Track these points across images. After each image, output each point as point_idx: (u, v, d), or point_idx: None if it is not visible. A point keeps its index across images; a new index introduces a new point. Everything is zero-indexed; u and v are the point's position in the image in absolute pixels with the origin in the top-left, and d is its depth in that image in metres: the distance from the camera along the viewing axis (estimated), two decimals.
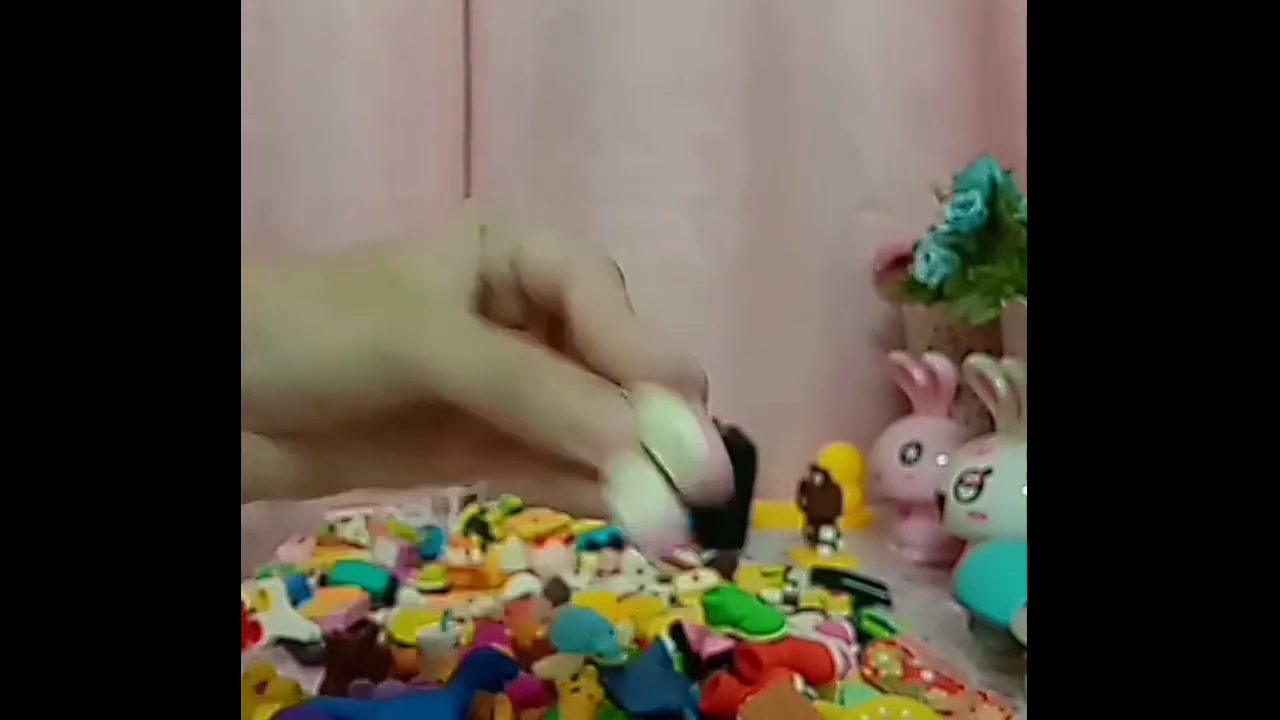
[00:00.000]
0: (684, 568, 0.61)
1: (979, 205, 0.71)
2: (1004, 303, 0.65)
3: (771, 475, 0.74)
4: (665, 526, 0.25)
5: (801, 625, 0.50)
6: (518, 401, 0.24)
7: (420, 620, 0.50)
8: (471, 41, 0.87)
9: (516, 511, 0.70)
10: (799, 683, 0.41)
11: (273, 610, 0.50)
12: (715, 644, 0.44)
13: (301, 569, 0.60)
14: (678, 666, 0.43)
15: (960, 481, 0.58)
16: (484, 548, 0.62)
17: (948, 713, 0.41)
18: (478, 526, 0.67)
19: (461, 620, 0.51)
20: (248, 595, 0.51)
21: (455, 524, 0.71)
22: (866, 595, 0.57)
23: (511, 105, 0.86)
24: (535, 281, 0.27)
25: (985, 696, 0.43)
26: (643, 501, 0.25)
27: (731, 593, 0.52)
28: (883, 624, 0.51)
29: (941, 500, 0.60)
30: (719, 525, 0.75)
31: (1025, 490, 0.52)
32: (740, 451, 0.73)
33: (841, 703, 0.42)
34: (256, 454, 0.25)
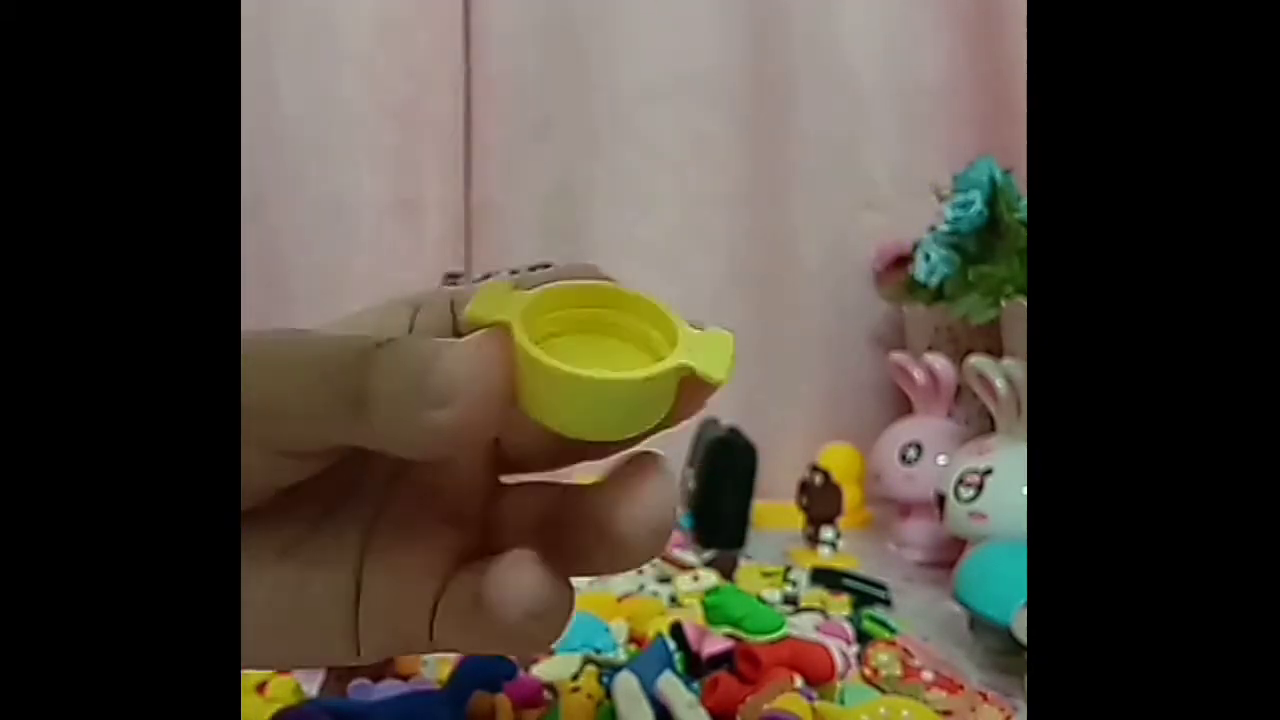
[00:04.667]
0: (684, 568, 0.61)
1: (979, 205, 0.71)
2: (1004, 303, 0.65)
3: (771, 475, 0.75)
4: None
5: (801, 625, 0.50)
6: None
7: None
8: (471, 41, 0.87)
9: None
10: (799, 683, 0.41)
11: None
12: (715, 644, 0.44)
13: None
14: (678, 666, 0.43)
15: (960, 481, 0.58)
16: None
17: (948, 713, 0.41)
18: None
19: None
20: None
21: None
22: (866, 595, 0.57)
23: (511, 105, 0.86)
24: None
25: (985, 696, 0.43)
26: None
27: (731, 593, 0.52)
28: (883, 624, 0.51)
29: (941, 500, 0.60)
30: (719, 525, 0.76)
31: (1025, 490, 0.52)
32: (740, 451, 0.74)
33: (841, 703, 0.42)
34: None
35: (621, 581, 0.59)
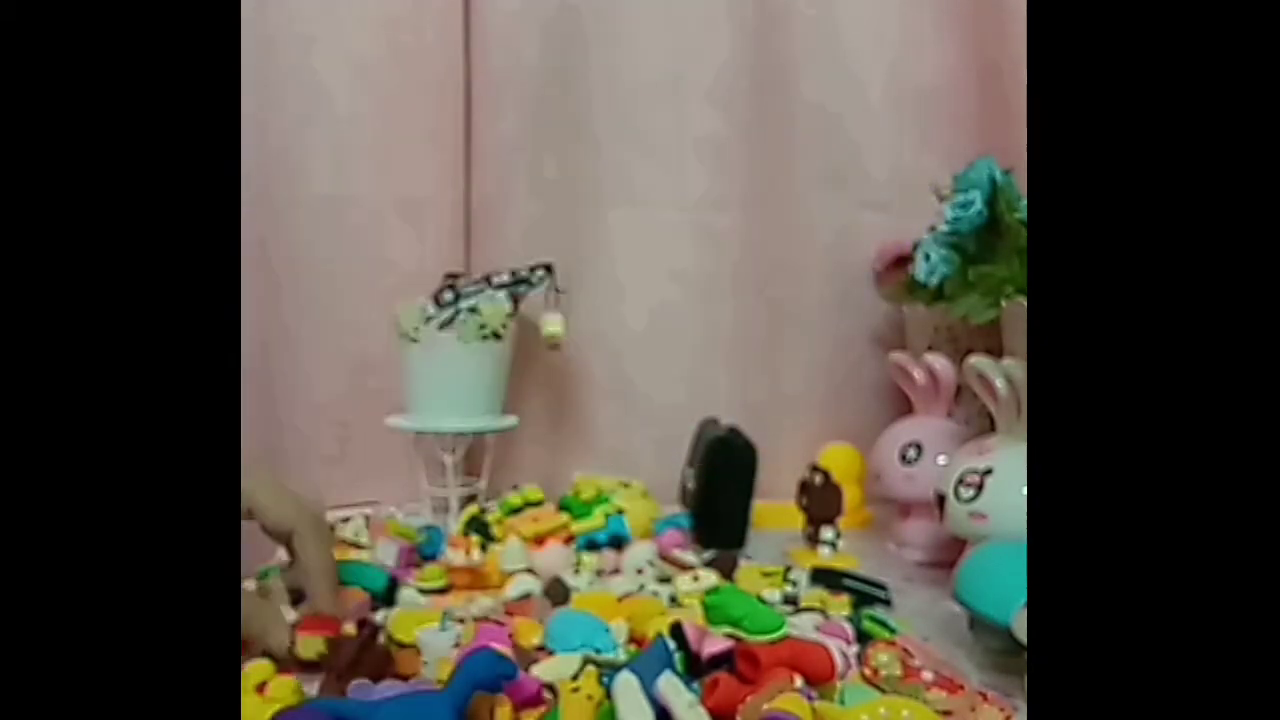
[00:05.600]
0: (684, 568, 0.61)
1: (979, 205, 0.71)
2: (1004, 303, 0.65)
3: (771, 475, 0.75)
4: None
5: (801, 625, 0.50)
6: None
7: (420, 620, 0.50)
8: (471, 41, 0.87)
9: (516, 511, 0.70)
10: (799, 683, 0.41)
11: None
12: (715, 644, 0.44)
13: None
14: (678, 666, 0.43)
15: (960, 481, 0.58)
16: (484, 548, 0.62)
17: (948, 713, 0.41)
18: (478, 526, 0.67)
19: (461, 620, 0.51)
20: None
21: (455, 524, 0.71)
22: (866, 595, 0.57)
23: (511, 105, 0.86)
24: (269, 526, 0.47)
25: (985, 696, 0.43)
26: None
27: (731, 593, 0.52)
28: (883, 624, 0.51)
29: (941, 500, 0.60)
30: (719, 525, 0.76)
31: (1025, 490, 0.52)
32: (740, 451, 0.74)
33: (841, 703, 0.42)
34: None
35: (621, 581, 0.59)
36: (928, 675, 0.44)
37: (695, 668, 0.44)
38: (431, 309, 0.76)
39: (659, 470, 0.79)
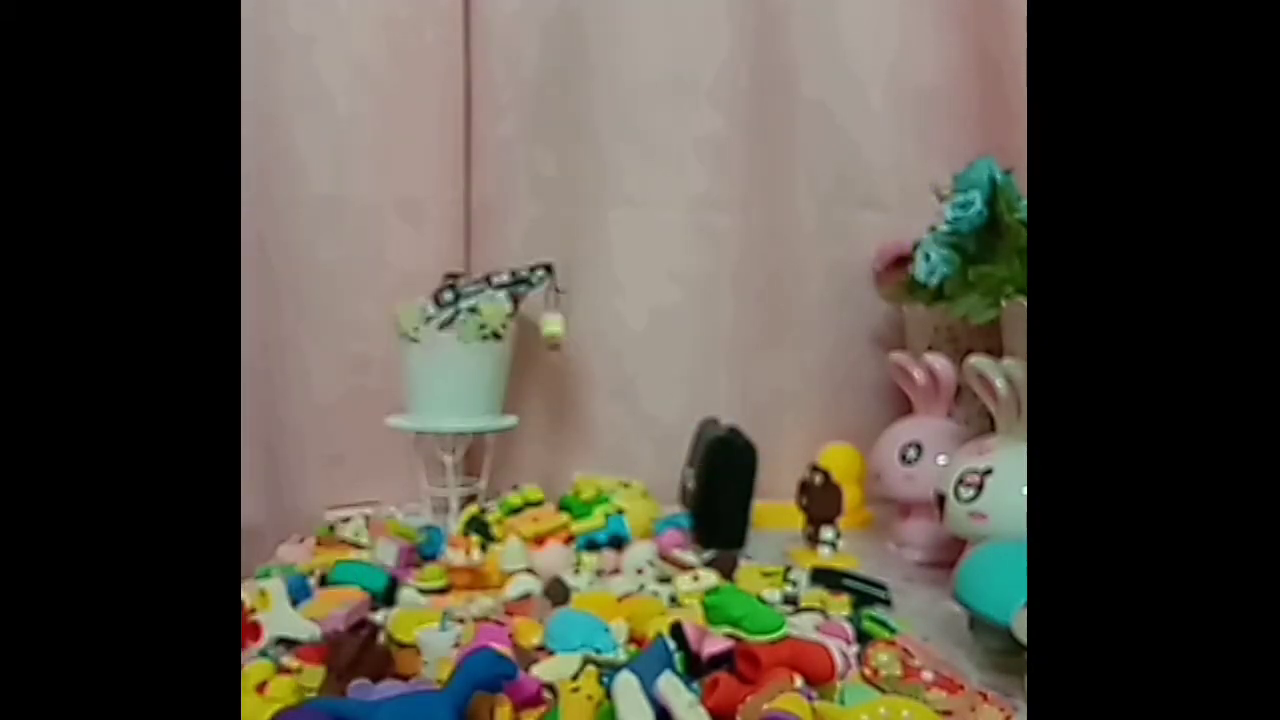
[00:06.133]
0: (684, 568, 0.61)
1: (979, 205, 0.71)
2: (1004, 303, 0.65)
3: (771, 475, 0.75)
4: None
5: (801, 625, 0.50)
6: None
7: (420, 620, 0.50)
8: (471, 41, 0.87)
9: (516, 511, 0.70)
10: (799, 683, 0.41)
11: (273, 610, 0.50)
12: (715, 644, 0.44)
13: (301, 569, 0.60)
14: (678, 666, 0.43)
15: (960, 481, 0.58)
16: (484, 548, 0.62)
17: (948, 713, 0.41)
18: (478, 526, 0.67)
19: (461, 620, 0.51)
20: (248, 595, 0.51)
21: (455, 524, 0.71)
22: (866, 595, 0.57)
23: (511, 105, 0.86)
24: None
25: (985, 696, 0.43)
26: None
27: (731, 593, 0.52)
28: (883, 624, 0.51)
29: (941, 500, 0.60)
30: (719, 525, 0.76)
31: (1025, 490, 0.52)
32: (740, 451, 0.74)
33: (841, 703, 0.42)
34: None
35: (621, 581, 0.59)
36: (928, 675, 0.44)
37: (695, 668, 0.44)
38: (431, 309, 0.76)
39: (659, 470, 0.79)
